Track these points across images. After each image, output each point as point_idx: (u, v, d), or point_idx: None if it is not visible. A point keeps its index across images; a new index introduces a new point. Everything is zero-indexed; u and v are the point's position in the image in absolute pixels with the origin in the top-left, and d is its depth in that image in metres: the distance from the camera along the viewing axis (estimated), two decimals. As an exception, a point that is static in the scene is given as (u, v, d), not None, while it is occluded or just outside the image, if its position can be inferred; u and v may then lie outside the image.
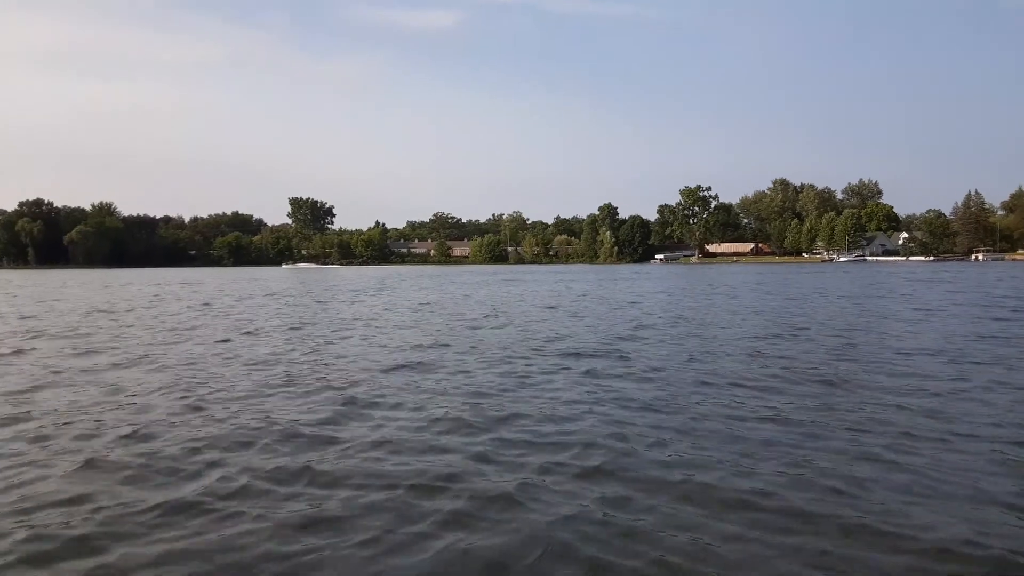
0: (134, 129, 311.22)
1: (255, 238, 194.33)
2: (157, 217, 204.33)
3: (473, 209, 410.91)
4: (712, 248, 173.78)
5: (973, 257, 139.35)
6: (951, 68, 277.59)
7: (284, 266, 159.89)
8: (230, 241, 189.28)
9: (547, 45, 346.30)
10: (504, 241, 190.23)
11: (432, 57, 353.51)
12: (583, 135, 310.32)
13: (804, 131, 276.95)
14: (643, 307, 26.58)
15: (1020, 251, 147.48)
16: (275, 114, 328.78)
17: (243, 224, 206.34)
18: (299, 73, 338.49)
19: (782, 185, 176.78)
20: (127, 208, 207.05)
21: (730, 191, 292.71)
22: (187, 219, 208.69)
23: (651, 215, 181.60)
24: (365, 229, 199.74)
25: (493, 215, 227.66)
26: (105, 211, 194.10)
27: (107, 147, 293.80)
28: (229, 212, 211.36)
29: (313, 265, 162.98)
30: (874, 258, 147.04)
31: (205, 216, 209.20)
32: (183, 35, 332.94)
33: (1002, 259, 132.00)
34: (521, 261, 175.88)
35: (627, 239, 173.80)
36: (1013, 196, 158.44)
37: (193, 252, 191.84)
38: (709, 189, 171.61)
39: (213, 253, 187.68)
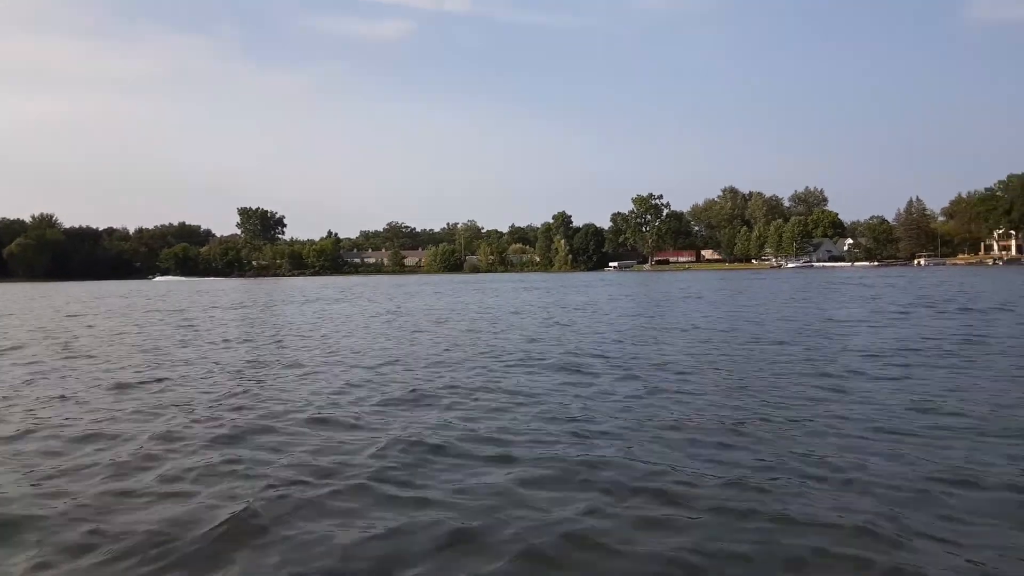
0: (76, 140, 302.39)
1: (203, 249, 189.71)
2: (100, 229, 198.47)
3: (427, 218, 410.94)
4: (664, 256, 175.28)
5: (915, 262, 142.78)
6: (893, 78, 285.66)
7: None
8: (177, 252, 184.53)
9: (499, 55, 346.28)
10: (459, 250, 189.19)
11: (384, 67, 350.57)
12: (536, 144, 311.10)
13: (752, 139, 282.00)
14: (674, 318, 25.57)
15: (960, 256, 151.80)
16: (224, 124, 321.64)
17: (190, 235, 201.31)
18: (249, 83, 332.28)
19: (731, 193, 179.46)
20: (69, 220, 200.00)
21: (682, 199, 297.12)
22: (132, 230, 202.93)
23: (605, 223, 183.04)
24: (317, 239, 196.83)
25: (448, 224, 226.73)
26: (46, 223, 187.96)
27: (47, 159, 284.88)
28: (175, 223, 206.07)
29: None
30: (821, 264, 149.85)
31: (151, 227, 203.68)
32: (128, 46, 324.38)
33: (943, 264, 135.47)
34: (476, 270, 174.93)
35: (581, 247, 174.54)
36: (953, 202, 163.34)
37: (138, 264, 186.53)
38: (661, 197, 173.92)
39: (159, 265, 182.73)
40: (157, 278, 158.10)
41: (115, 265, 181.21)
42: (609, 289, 54.91)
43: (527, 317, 26.64)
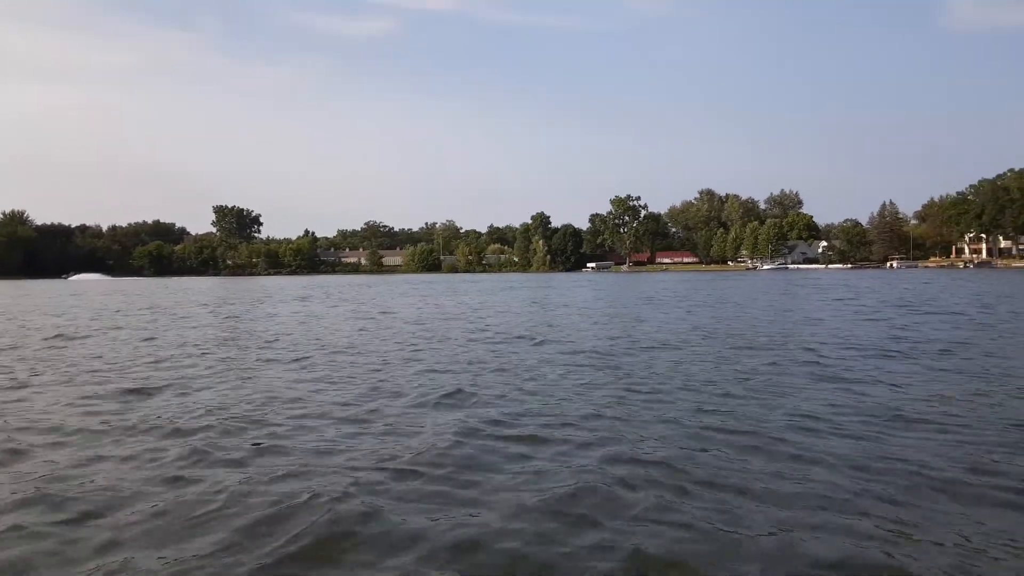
0: (48, 135, 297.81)
1: (177, 247, 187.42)
2: (73, 226, 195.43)
3: (406, 218, 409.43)
4: (642, 257, 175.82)
5: (888, 265, 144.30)
6: (869, 82, 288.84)
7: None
8: (151, 250, 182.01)
9: (480, 55, 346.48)
10: (437, 250, 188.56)
11: (365, 65, 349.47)
12: (516, 144, 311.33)
13: (729, 141, 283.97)
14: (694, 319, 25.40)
15: (932, 259, 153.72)
16: (201, 120, 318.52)
17: (165, 233, 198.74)
18: (226, 78, 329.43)
19: (708, 195, 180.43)
20: (42, 217, 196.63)
21: (659, 200, 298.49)
22: (105, 228, 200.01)
23: (583, 224, 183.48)
24: (294, 238, 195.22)
25: (426, 224, 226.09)
26: (17, 219, 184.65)
27: (18, 153, 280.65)
28: (150, 220, 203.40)
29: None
30: (795, 266, 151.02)
31: (124, 225, 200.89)
32: (103, 38, 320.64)
33: (915, 266, 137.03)
34: (454, 270, 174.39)
35: (560, 248, 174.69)
36: (925, 206, 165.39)
37: (111, 262, 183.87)
38: (639, 199, 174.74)
39: (133, 263, 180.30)
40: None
41: (87, 263, 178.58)
42: (587, 292, 53.56)
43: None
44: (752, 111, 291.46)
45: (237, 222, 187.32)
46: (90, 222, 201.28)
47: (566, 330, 19.95)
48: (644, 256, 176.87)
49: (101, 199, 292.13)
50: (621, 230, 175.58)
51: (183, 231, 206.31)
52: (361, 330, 21.06)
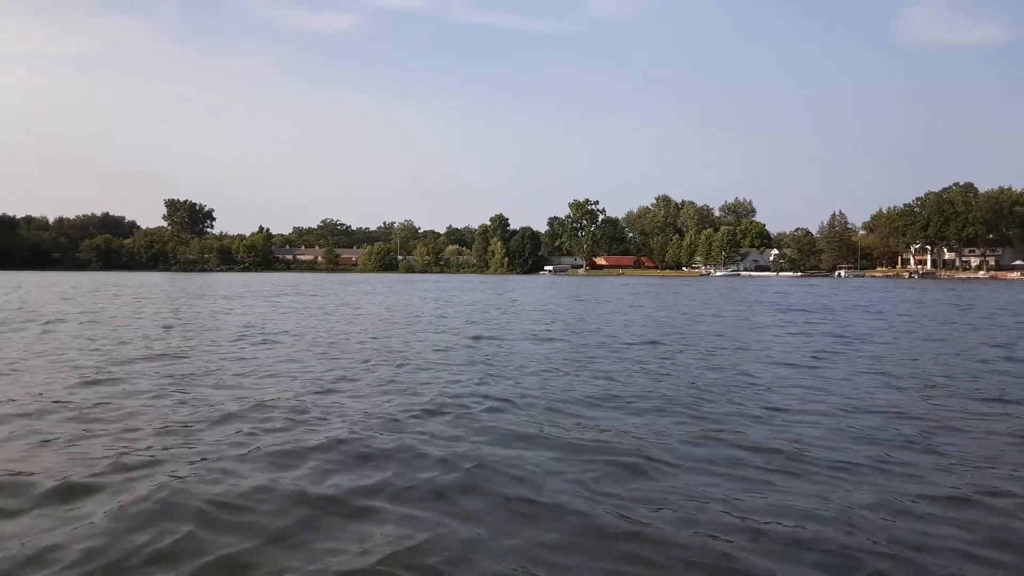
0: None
1: (127, 241, 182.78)
2: (18, 217, 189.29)
3: (363, 216, 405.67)
4: (599, 261, 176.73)
5: (836, 274, 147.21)
6: (822, 93, 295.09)
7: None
8: (99, 244, 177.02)
9: (442, 55, 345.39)
10: (395, 249, 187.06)
11: (328, 60, 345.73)
12: (475, 145, 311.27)
13: (686, 149, 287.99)
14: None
15: (879, 269, 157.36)
16: (155, 111, 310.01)
17: (114, 226, 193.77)
18: (184, 70, 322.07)
19: (664, 201, 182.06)
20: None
21: (617, 206, 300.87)
22: (52, 219, 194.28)
23: (541, 227, 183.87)
24: (248, 234, 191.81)
25: (384, 223, 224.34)
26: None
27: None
28: (99, 213, 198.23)
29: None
30: (747, 273, 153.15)
31: (72, 217, 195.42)
32: (58, 24, 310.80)
33: (862, 276, 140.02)
34: (412, 270, 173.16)
35: (518, 250, 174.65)
36: (874, 217, 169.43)
37: (57, 255, 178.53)
38: (597, 203, 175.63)
39: (80, 256, 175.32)
40: None
41: (32, 255, 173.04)
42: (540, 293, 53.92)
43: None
44: (709, 119, 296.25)
45: (189, 217, 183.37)
46: (36, 213, 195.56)
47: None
48: (601, 260, 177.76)
49: (48, 190, 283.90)
50: (579, 234, 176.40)
51: (133, 224, 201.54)
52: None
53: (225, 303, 35.98)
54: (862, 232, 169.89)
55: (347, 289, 59.28)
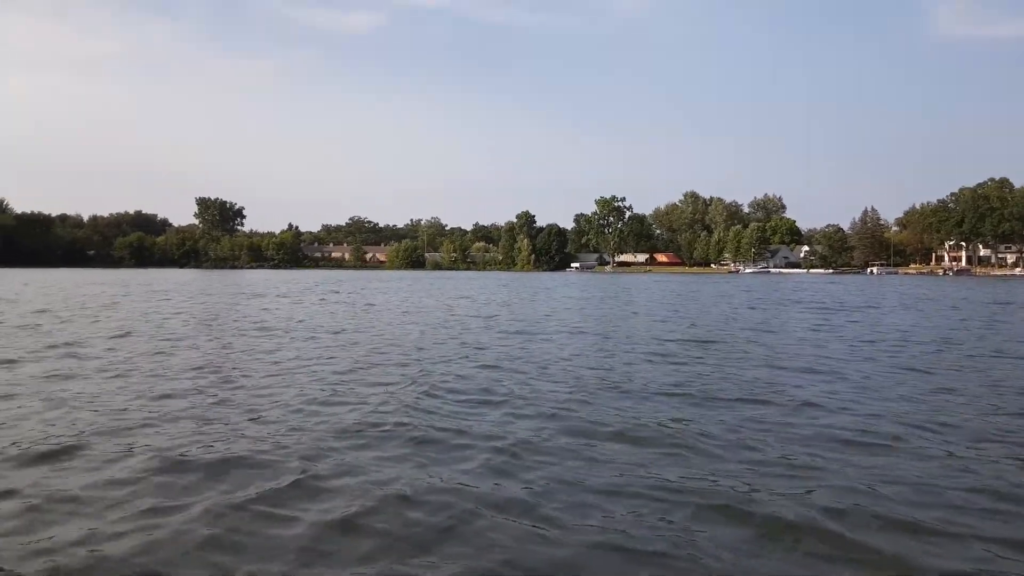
0: (31, 123, 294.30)
1: (159, 239, 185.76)
2: (54, 215, 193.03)
3: (391, 214, 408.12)
4: (625, 257, 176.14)
5: (868, 270, 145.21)
6: (854, 90, 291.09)
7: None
8: (132, 242, 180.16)
9: (468, 53, 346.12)
10: (421, 247, 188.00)
11: (352, 60, 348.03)
12: (502, 143, 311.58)
13: (714, 145, 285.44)
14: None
15: (912, 265, 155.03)
16: (185, 110, 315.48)
17: (146, 224, 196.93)
18: (212, 69, 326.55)
19: (692, 198, 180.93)
20: (21, 205, 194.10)
21: (644, 202, 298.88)
22: (86, 218, 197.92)
23: (568, 224, 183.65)
24: (277, 232, 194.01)
25: (411, 220, 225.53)
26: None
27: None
28: (132, 211, 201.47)
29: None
30: (777, 270, 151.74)
31: (106, 215, 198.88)
32: (89, 27, 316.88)
33: (895, 273, 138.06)
34: (438, 267, 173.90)
35: (544, 247, 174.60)
36: (907, 213, 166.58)
37: (91, 252, 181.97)
38: (623, 200, 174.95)
39: (113, 254, 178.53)
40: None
41: (67, 253, 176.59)
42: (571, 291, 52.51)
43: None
44: (738, 115, 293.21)
45: (220, 214, 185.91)
46: (71, 212, 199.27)
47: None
48: (628, 257, 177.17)
49: (83, 189, 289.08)
50: (606, 231, 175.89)
51: (165, 222, 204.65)
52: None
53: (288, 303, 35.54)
54: (895, 229, 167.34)
55: (427, 288, 55.92)
